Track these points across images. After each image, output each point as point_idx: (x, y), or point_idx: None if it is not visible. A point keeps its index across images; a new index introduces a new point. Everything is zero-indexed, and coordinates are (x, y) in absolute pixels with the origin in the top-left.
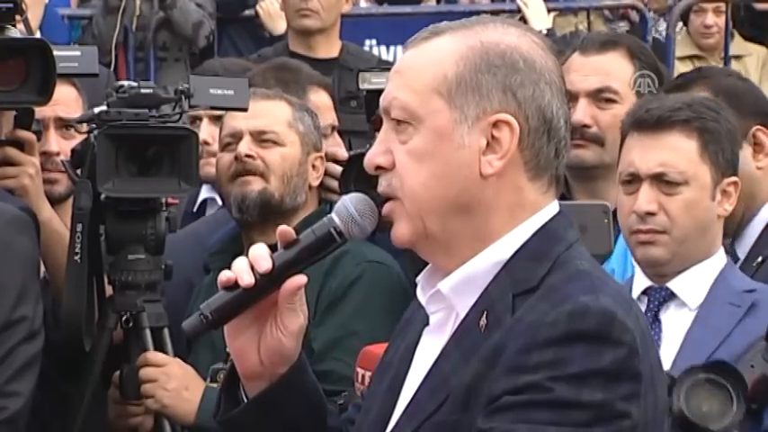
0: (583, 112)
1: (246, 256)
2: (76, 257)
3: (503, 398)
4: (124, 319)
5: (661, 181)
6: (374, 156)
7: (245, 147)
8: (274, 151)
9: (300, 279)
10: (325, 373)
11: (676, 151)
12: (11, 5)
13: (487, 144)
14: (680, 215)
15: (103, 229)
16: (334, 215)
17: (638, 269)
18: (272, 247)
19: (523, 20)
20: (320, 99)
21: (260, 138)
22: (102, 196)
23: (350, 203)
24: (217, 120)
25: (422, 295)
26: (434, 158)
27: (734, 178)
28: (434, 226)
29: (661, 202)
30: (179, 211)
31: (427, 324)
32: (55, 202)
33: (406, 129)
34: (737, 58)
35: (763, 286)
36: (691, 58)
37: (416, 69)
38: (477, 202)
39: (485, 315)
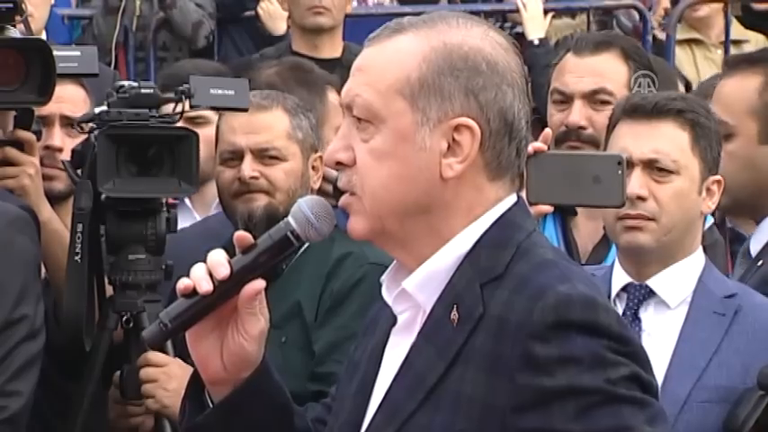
0: (578, 113)
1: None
2: (77, 257)
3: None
4: (124, 319)
5: (653, 168)
6: (335, 151)
7: (248, 169)
8: (277, 168)
9: (258, 284)
10: (327, 375)
11: (670, 140)
12: (11, 5)
13: (448, 147)
14: (669, 203)
15: (104, 230)
16: (290, 219)
17: (617, 265)
18: None
19: (519, 23)
20: (335, 98)
21: (261, 155)
22: (103, 196)
23: (306, 206)
24: None
25: (387, 295)
26: (395, 159)
27: (718, 177)
28: (392, 225)
29: (651, 188)
30: None
31: (394, 324)
32: (54, 199)
33: (368, 127)
34: (735, 43)
35: (742, 288)
36: (688, 42)
37: (380, 69)
38: (437, 203)
39: (455, 308)
